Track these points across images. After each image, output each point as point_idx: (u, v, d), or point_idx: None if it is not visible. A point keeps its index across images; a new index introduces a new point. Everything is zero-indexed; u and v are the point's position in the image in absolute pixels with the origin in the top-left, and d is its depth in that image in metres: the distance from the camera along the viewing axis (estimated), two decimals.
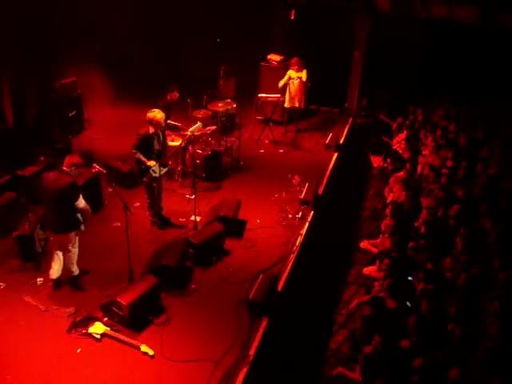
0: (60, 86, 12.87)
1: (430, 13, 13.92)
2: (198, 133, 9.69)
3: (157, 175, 9.10)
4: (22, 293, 7.89)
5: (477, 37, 13.28)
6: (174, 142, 10.74)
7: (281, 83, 13.36)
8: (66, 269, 8.00)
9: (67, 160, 7.51)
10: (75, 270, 8.02)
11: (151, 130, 8.85)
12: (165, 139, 9.28)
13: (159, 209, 9.73)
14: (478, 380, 5.78)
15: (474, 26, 13.31)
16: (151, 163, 8.93)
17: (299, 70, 13.28)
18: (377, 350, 6.28)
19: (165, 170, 9.36)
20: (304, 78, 13.22)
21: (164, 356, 6.93)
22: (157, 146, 9.00)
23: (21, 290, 7.94)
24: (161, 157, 9.12)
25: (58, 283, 8.02)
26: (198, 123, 9.64)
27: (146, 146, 8.88)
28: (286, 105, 13.67)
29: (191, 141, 10.36)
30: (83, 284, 8.12)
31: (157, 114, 8.84)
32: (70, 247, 7.79)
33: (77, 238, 7.84)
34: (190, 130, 9.47)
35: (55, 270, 7.95)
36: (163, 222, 9.76)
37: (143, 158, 8.89)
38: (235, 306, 7.87)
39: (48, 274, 7.99)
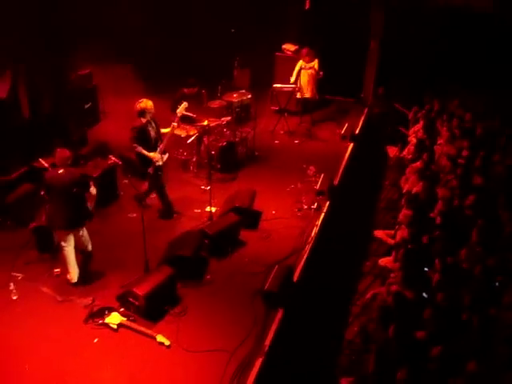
0: (75, 78, 12.90)
1: (446, 0, 13.78)
2: (182, 113, 9.54)
3: (160, 163, 9.10)
4: (39, 284, 7.97)
5: (494, 24, 13.12)
6: (190, 133, 10.79)
7: (293, 78, 13.32)
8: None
9: (60, 155, 7.50)
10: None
11: (143, 120, 8.84)
12: (158, 126, 9.22)
13: (169, 205, 9.70)
14: (495, 370, 5.75)
15: (491, 14, 13.15)
16: (153, 155, 8.94)
17: (311, 60, 13.22)
18: (392, 340, 6.27)
19: (166, 156, 9.30)
20: (316, 67, 13.16)
21: (180, 346, 6.96)
22: (153, 134, 8.98)
23: (38, 281, 8.01)
24: (157, 144, 9.07)
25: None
26: (184, 103, 9.54)
27: (143, 136, 8.85)
28: (298, 96, 13.63)
29: (205, 131, 10.37)
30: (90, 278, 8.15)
31: (146, 102, 8.83)
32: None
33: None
34: (177, 111, 9.37)
35: (75, 272, 7.97)
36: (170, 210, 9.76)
37: (144, 152, 8.87)
38: (250, 296, 7.88)
39: (64, 266, 8.06)
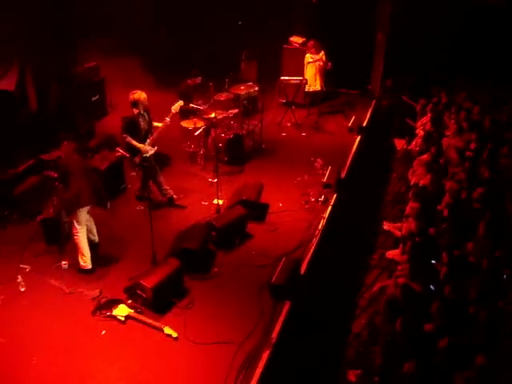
0: (83, 71, 12.93)
1: None
2: (176, 110, 9.56)
3: (147, 155, 9.13)
4: (47, 276, 8.00)
5: (501, 18, 13.04)
6: (198, 126, 10.80)
7: (306, 72, 13.32)
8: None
9: (67, 146, 7.84)
10: None
11: (135, 111, 8.93)
12: (150, 118, 9.27)
13: (160, 185, 9.70)
14: (502, 364, 5.74)
15: (500, 7, 13.07)
16: (141, 146, 9.01)
17: (317, 52, 13.19)
18: (399, 332, 6.26)
19: (154, 149, 9.29)
20: (324, 59, 13.13)
21: (187, 338, 6.97)
22: (143, 126, 9.06)
23: (46, 273, 8.05)
24: (148, 136, 9.14)
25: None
26: (180, 101, 9.58)
27: (133, 127, 8.97)
28: (306, 89, 13.59)
29: (213, 124, 10.38)
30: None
31: (140, 94, 8.93)
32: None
33: None
34: (172, 107, 9.40)
35: (89, 258, 8.07)
36: (168, 201, 9.83)
37: (134, 142, 8.97)
38: (257, 289, 7.88)
39: (73, 258, 8.13)
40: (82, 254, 7.99)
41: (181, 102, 9.47)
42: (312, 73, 13.33)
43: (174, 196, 9.84)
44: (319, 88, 13.49)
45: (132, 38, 13.83)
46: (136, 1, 13.61)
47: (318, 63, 13.20)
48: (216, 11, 14.57)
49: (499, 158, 9.97)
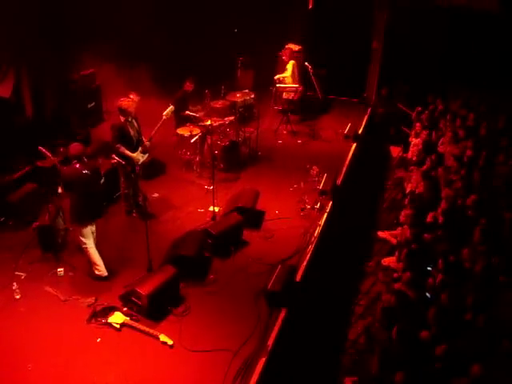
0: (79, 78, 12.94)
1: (449, 2, 13.77)
2: (168, 116, 9.61)
3: (139, 163, 9.13)
4: (42, 283, 7.96)
5: (496, 25, 13.11)
6: (194, 133, 10.81)
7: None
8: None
9: (75, 149, 7.58)
10: None
11: (122, 118, 8.89)
12: (139, 126, 9.23)
13: (136, 196, 9.60)
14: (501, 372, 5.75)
15: (494, 15, 13.14)
16: (134, 156, 8.98)
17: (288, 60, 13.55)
18: (395, 340, 6.26)
19: (145, 157, 9.29)
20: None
21: (183, 346, 6.95)
22: (133, 133, 9.01)
23: (41, 281, 8.01)
24: (139, 144, 9.10)
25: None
26: (170, 106, 9.61)
27: (123, 134, 8.90)
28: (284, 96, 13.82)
29: (209, 131, 10.40)
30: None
31: (128, 102, 8.92)
32: None
33: None
34: (164, 113, 9.43)
35: (104, 266, 8.04)
36: (140, 211, 9.41)
37: (127, 152, 8.91)
38: (253, 296, 7.87)
39: (68, 265, 8.14)
40: (95, 264, 7.96)
41: (172, 107, 9.48)
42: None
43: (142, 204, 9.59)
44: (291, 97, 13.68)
45: (128, 45, 13.83)
46: (133, 8, 13.60)
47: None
48: (212, 19, 14.59)
49: (495, 166, 10.01)
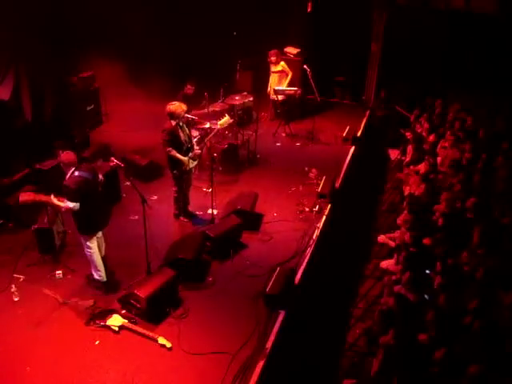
0: (78, 80, 12.95)
1: (448, 4, 13.80)
2: (223, 126, 9.81)
3: (187, 168, 9.16)
4: (41, 285, 7.96)
5: (495, 28, 13.13)
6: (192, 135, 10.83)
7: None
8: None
9: (67, 158, 7.30)
10: None
11: (173, 122, 8.84)
12: (190, 130, 9.30)
13: (185, 203, 9.76)
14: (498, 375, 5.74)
15: (493, 17, 13.16)
16: (185, 160, 8.98)
17: (276, 63, 13.45)
18: (394, 343, 6.26)
19: (195, 163, 9.39)
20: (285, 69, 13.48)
21: (181, 348, 6.96)
22: (183, 138, 8.98)
23: (40, 283, 8.01)
24: (190, 150, 9.11)
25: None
26: (226, 116, 9.74)
27: (174, 139, 8.87)
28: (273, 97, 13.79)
29: (207, 134, 10.41)
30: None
31: (177, 106, 8.81)
32: None
33: None
34: (219, 122, 9.56)
35: (103, 271, 8.00)
36: (188, 217, 9.78)
37: (178, 155, 8.91)
38: (252, 299, 7.87)
39: (66, 268, 8.18)
40: (97, 269, 7.90)
41: (228, 118, 9.89)
42: (274, 82, 13.57)
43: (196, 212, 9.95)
44: (282, 98, 13.63)
45: (127, 47, 13.83)
46: (133, 10, 13.61)
47: (277, 74, 13.43)
48: (211, 22, 14.59)
49: (494, 168, 10.02)
